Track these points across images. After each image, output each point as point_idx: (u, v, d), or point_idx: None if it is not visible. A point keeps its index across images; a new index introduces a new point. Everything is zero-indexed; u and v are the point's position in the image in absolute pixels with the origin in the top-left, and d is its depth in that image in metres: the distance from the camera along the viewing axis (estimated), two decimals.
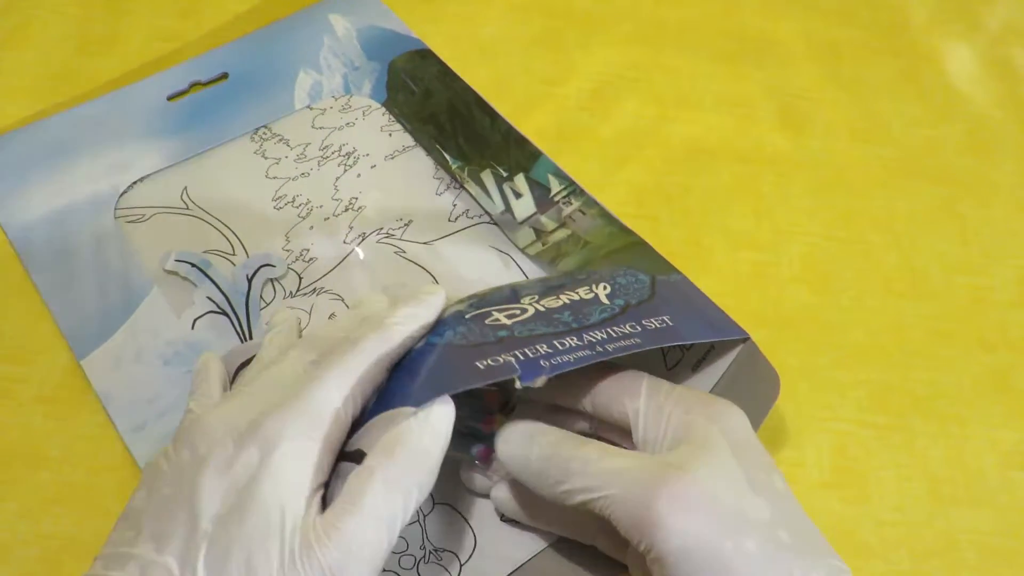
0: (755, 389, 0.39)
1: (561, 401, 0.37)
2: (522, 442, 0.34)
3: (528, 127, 0.55)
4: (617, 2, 0.63)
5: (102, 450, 0.40)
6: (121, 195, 0.48)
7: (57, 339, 0.43)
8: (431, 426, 0.31)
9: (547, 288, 0.38)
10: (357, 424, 0.32)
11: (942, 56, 0.62)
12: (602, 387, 0.35)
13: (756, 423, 0.38)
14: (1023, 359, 0.47)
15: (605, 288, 0.39)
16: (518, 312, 0.36)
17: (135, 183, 0.49)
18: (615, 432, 0.37)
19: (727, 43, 0.61)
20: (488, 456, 0.38)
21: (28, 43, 0.57)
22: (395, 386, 0.33)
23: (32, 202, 0.48)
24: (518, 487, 0.37)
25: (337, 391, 0.31)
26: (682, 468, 0.31)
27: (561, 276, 0.42)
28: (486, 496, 0.39)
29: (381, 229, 0.48)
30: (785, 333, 0.47)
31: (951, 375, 0.46)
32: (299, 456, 0.29)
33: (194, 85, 0.54)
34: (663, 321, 0.37)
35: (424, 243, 0.48)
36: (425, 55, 0.56)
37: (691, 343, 0.40)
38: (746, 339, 0.39)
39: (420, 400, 0.31)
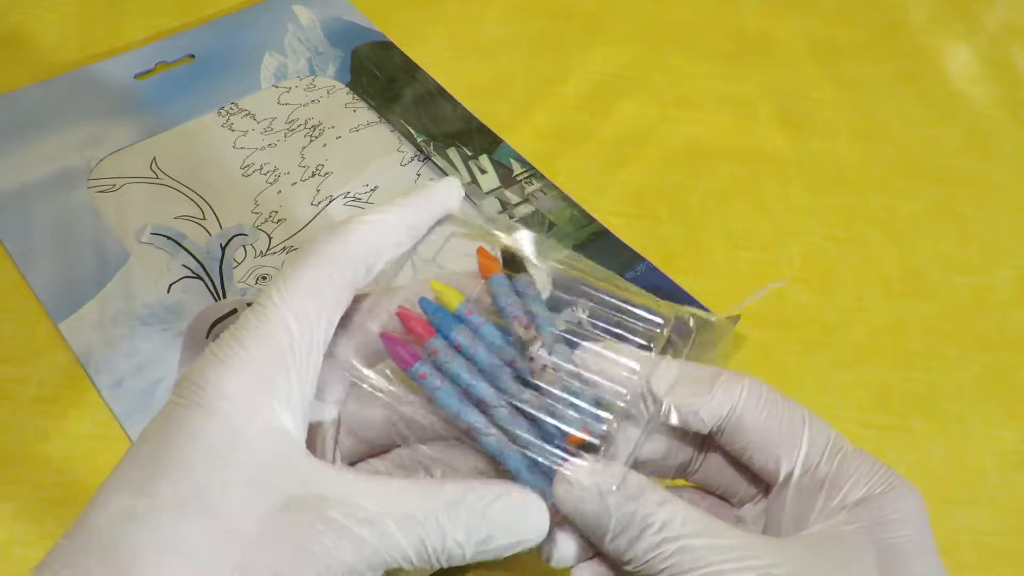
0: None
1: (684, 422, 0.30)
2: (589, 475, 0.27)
3: (528, 127, 0.55)
4: (617, 2, 0.63)
5: (102, 450, 0.40)
6: (92, 167, 0.49)
7: (57, 339, 0.43)
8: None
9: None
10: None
11: (942, 56, 0.62)
12: (751, 423, 0.29)
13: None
14: (1023, 359, 0.47)
15: (584, 311, 0.42)
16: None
17: (105, 156, 0.50)
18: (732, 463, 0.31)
19: (727, 43, 0.61)
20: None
21: (28, 43, 0.57)
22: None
23: (4, 174, 0.49)
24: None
25: (281, 305, 0.27)
26: None
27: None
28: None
29: (348, 193, 0.49)
30: (785, 333, 0.47)
31: (951, 375, 0.46)
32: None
33: (160, 65, 0.55)
34: None
35: None
36: (388, 46, 0.58)
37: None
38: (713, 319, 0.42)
39: None
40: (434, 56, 0.57)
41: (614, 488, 0.26)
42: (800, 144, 0.56)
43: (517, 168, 0.52)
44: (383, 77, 0.56)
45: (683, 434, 0.31)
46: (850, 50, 0.62)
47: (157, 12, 0.59)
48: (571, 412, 0.28)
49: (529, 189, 0.51)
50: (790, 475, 0.29)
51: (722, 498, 0.32)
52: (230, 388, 0.26)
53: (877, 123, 0.58)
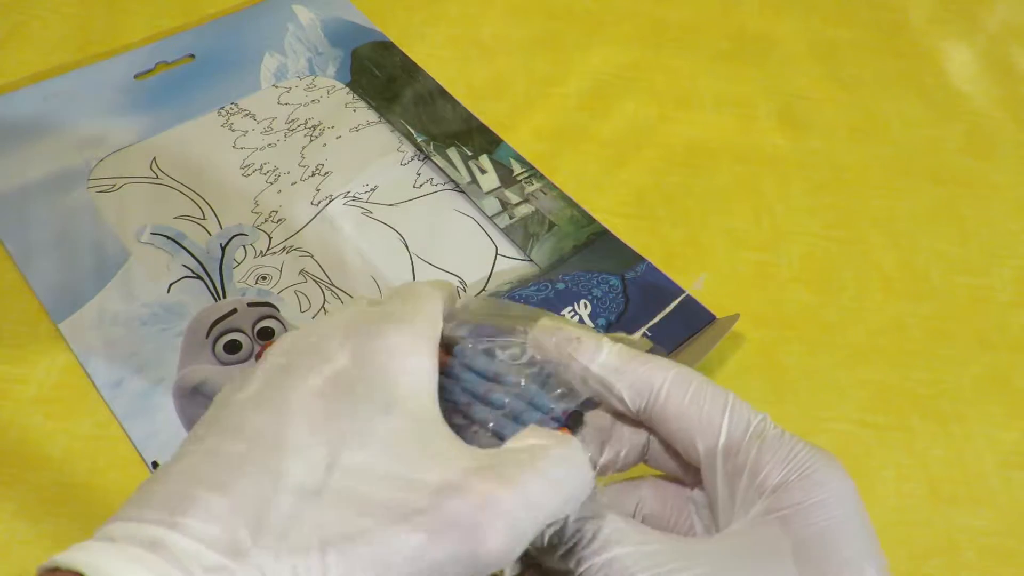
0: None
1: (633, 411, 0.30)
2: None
3: (528, 127, 0.55)
4: (617, 2, 0.63)
5: (102, 450, 0.40)
6: (92, 167, 0.49)
7: (57, 339, 0.43)
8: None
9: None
10: None
11: (942, 56, 0.62)
12: (674, 410, 0.28)
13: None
14: (1023, 359, 0.47)
15: (586, 307, 0.44)
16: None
17: (105, 157, 0.50)
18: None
19: (727, 43, 0.61)
20: None
21: (28, 43, 0.57)
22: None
23: (4, 174, 0.49)
24: None
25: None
26: None
27: (540, 284, 0.45)
28: None
29: (348, 193, 0.50)
30: (785, 333, 0.47)
31: (951, 375, 0.46)
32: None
33: (160, 65, 0.55)
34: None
35: (391, 205, 0.49)
36: (388, 46, 0.58)
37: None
38: (713, 320, 0.45)
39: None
40: (434, 56, 0.57)
41: None
42: (800, 144, 0.56)
43: (517, 168, 0.52)
44: (383, 77, 0.56)
45: (633, 423, 0.31)
46: (850, 50, 0.62)
47: (157, 12, 0.59)
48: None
49: (529, 189, 0.51)
50: (713, 463, 0.28)
51: (680, 482, 0.32)
52: (400, 362, 0.26)
53: (877, 123, 0.58)
